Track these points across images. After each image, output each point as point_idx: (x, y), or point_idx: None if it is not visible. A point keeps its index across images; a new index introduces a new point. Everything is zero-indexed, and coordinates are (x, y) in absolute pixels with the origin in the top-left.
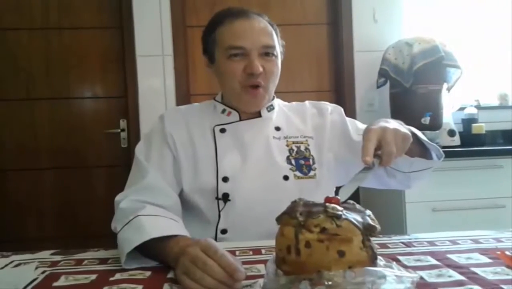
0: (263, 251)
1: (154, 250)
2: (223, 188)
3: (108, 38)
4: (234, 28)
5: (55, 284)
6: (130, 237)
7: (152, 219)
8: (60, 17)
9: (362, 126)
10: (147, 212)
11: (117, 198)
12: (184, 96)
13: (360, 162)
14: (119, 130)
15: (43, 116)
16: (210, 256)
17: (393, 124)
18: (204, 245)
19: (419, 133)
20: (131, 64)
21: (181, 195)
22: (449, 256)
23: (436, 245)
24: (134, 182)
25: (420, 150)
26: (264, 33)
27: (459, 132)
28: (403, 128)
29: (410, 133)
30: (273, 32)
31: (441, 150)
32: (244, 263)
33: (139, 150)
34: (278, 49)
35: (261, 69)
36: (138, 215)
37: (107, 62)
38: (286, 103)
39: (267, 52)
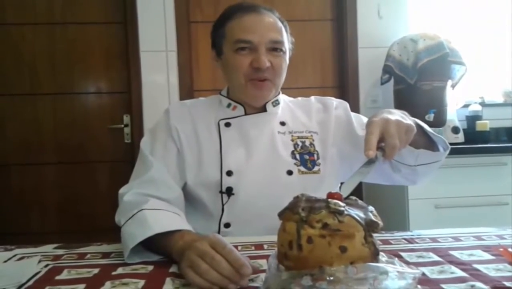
0: (265, 246)
1: (157, 244)
2: (227, 181)
3: (112, 33)
4: (243, 22)
5: (57, 277)
6: (134, 231)
7: (155, 214)
8: (64, 12)
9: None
10: (150, 206)
11: (121, 190)
12: (187, 92)
13: (364, 157)
14: (122, 125)
15: (47, 111)
16: (218, 251)
17: (396, 115)
18: (213, 240)
19: (424, 125)
20: (135, 59)
21: (184, 188)
22: (452, 252)
23: (439, 242)
24: (139, 175)
25: (425, 142)
26: (273, 28)
27: (463, 130)
28: (407, 119)
29: (413, 125)
30: (283, 29)
31: (447, 142)
32: None
33: (144, 143)
34: (287, 46)
35: (268, 64)
36: (142, 209)
37: (111, 57)
38: (291, 98)
39: (275, 48)
